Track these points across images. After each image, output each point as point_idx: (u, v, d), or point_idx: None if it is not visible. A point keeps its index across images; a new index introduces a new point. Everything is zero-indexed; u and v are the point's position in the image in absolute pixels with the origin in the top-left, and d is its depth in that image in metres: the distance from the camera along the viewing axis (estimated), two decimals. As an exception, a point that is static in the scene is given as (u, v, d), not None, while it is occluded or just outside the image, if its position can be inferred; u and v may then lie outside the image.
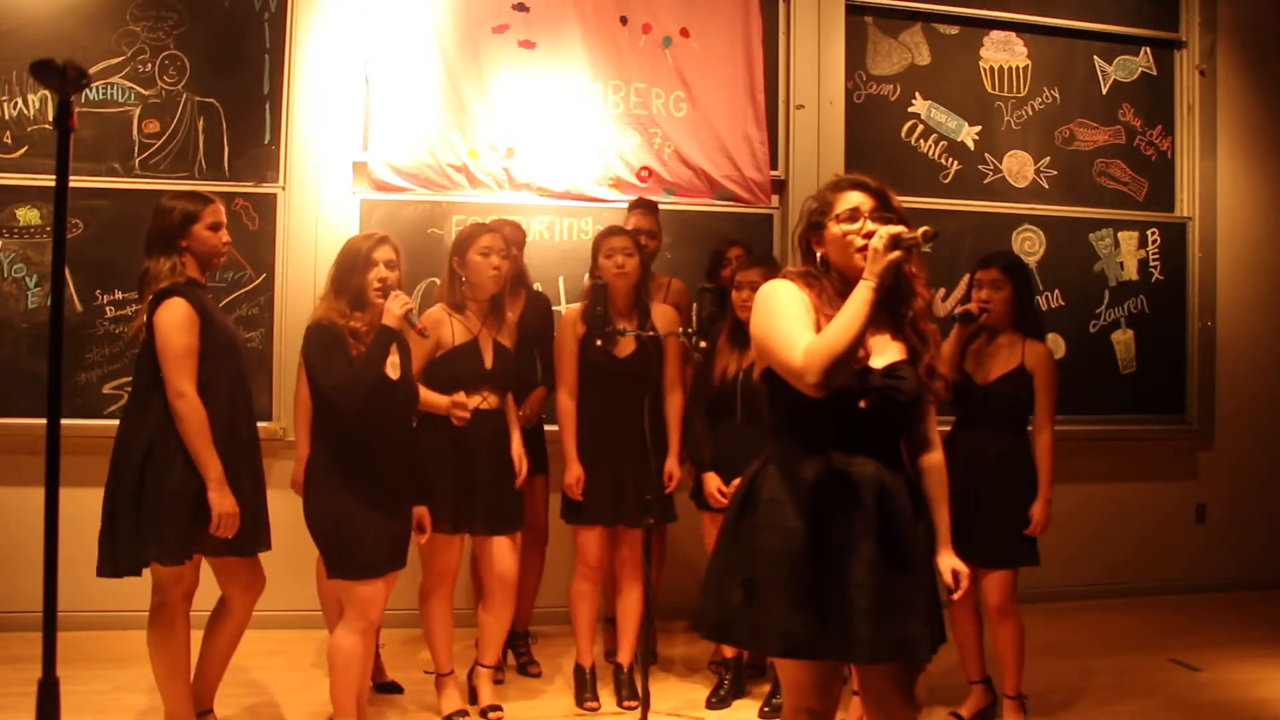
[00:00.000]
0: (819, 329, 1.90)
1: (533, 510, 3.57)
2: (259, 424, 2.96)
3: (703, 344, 3.30)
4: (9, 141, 4.05)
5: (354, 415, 2.71)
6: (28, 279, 4.05)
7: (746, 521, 1.99)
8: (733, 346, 3.38)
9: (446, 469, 3.09)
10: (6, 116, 4.05)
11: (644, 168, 4.50)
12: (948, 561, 2.11)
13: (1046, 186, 4.97)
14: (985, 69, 4.93)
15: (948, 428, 3.11)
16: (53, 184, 1.68)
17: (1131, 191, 5.09)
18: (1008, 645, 3.18)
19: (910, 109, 4.83)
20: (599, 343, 3.26)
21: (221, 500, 2.62)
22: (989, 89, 4.93)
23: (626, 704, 3.35)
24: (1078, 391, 4.62)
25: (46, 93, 4.00)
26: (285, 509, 3.03)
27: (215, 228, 2.78)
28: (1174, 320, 5.09)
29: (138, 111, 4.14)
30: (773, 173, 4.65)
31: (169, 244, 2.72)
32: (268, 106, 4.23)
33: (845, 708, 2.94)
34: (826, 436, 1.95)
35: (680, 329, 3.34)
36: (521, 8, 4.42)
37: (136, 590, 2.74)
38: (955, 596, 2.10)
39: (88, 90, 3.77)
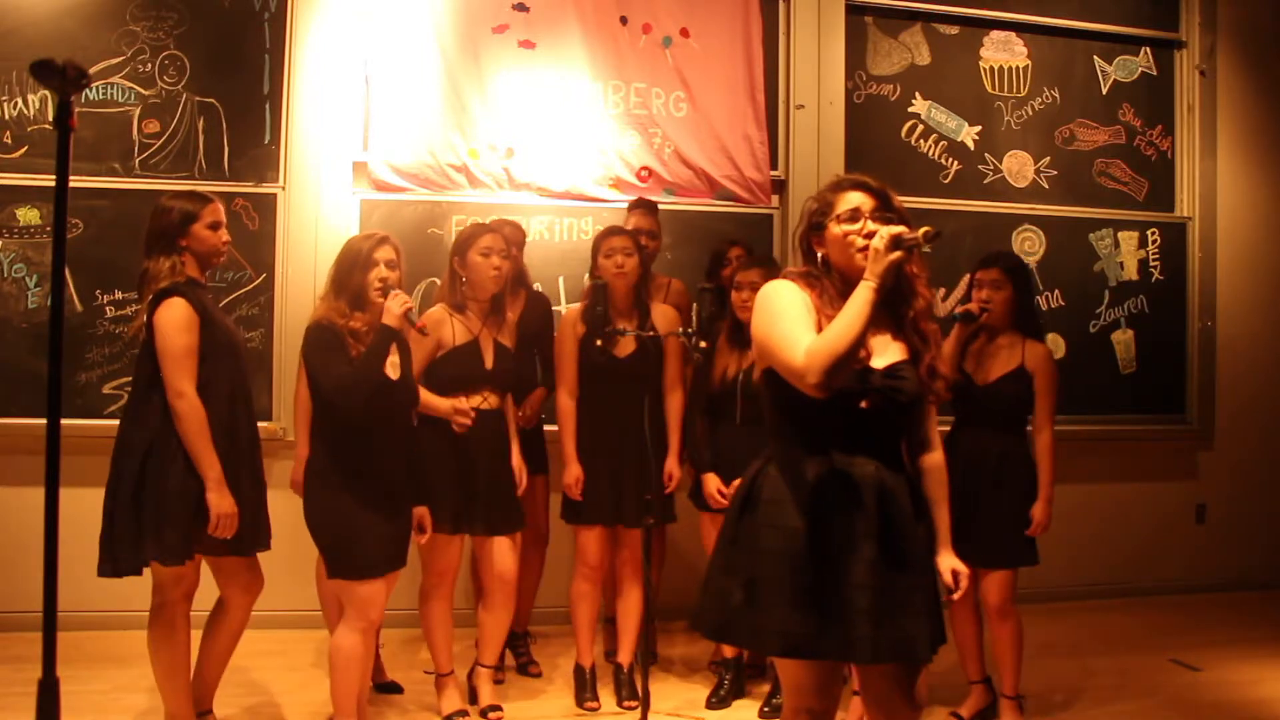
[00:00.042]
0: (820, 329, 1.90)
1: (533, 510, 3.57)
2: (259, 424, 2.95)
3: (702, 344, 3.30)
4: (9, 141, 4.05)
5: (354, 415, 2.71)
6: (28, 279, 4.05)
7: (747, 521, 1.99)
8: (732, 347, 3.38)
9: (447, 469, 3.09)
10: (6, 116, 4.05)
11: (644, 168, 4.50)
12: (947, 562, 2.11)
13: (1046, 186, 4.97)
14: (985, 69, 4.93)
15: (947, 428, 3.11)
16: (53, 184, 1.68)
17: (1131, 191, 5.09)
18: (1006, 645, 3.18)
19: (910, 109, 4.83)
20: (599, 343, 3.26)
21: (220, 501, 2.61)
22: (989, 89, 4.93)
23: (626, 704, 3.35)
24: (1078, 391, 4.62)
25: (46, 93, 4.00)
26: (285, 509, 3.02)
27: (215, 227, 2.78)
28: (1174, 320, 5.09)
29: (138, 111, 4.14)
30: (773, 173, 4.65)
31: (168, 243, 2.71)
32: (268, 106, 4.23)
33: (845, 708, 2.94)
34: (827, 437, 1.95)
35: (680, 329, 3.34)
36: (521, 8, 4.42)
37: (136, 590, 2.74)
38: (955, 597, 2.10)
39: (88, 90, 3.77)
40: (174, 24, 4.17)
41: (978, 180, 4.90)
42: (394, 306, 2.74)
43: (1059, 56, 5.01)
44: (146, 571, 2.65)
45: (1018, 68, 4.96)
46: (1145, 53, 5.12)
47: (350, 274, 2.78)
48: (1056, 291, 4.93)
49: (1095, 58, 5.04)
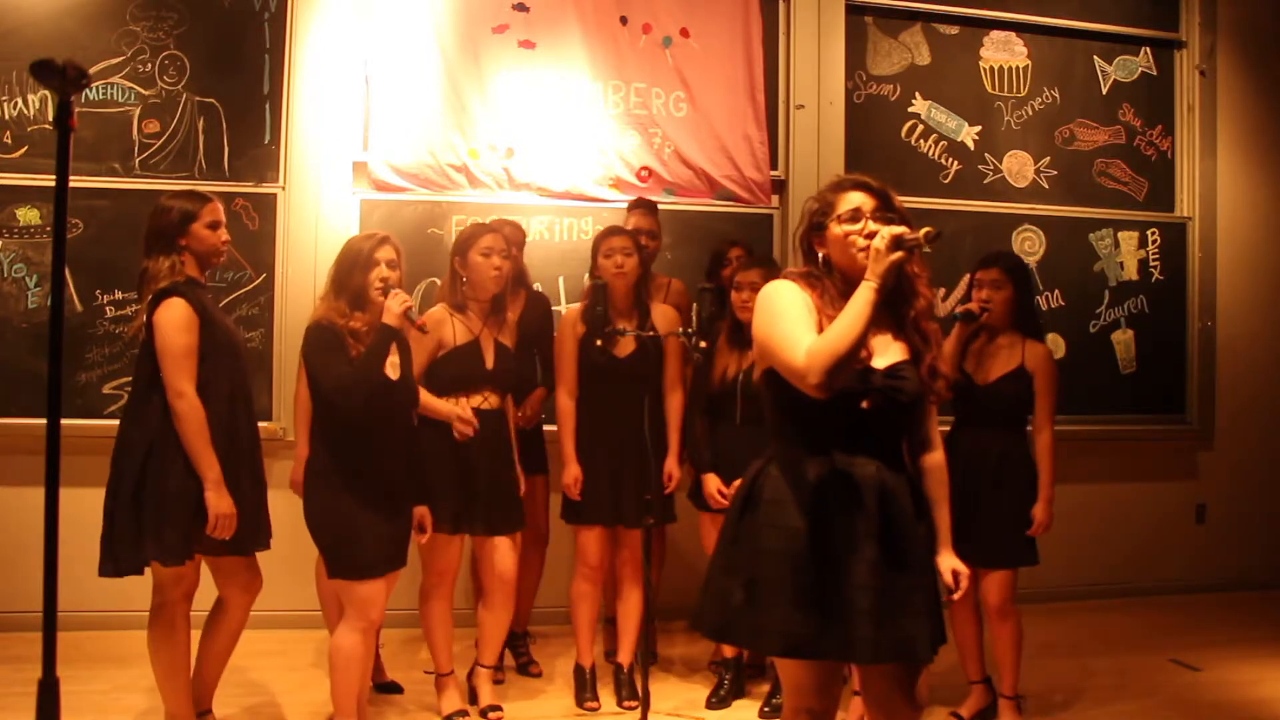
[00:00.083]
0: (821, 330, 1.90)
1: (533, 510, 3.57)
2: (259, 424, 2.95)
3: (702, 344, 3.30)
4: (9, 141, 4.05)
5: (354, 415, 2.71)
6: (28, 279, 4.05)
7: (748, 521, 1.99)
8: (732, 347, 3.38)
9: (447, 469, 3.08)
10: (6, 116, 4.05)
11: (644, 168, 4.50)
12: (948, 562, 2.11)
13: (1046, 186, 4.97)
14: (985, 69, 4.93)
15: (947, 428, 3.11)
16: (53, 184, 1.68)
17: (1131, 191, 5.09)
18: (1006, 646, 3.18)
19: (910, 109, 4.83)
20: (599, 343, 3.25)
21: (218, 501, 2.61)
22: (989, 89, 4.93)
23: (626, 704, 3.35)
24: (1078, 391, 4.62)
25: (46, 93, 3.99)
26: (285, 509, 3.02)
27: (214, 226, 2.77)
28: (1174, 320, 5.09)
29: (138, 111, 4.14)
30: (773, 173, 4.64)
31: (168, 243, 2.71)
32: (268, 106, 4.23)
33: (845, 708, 2.94)
34: (828, 437, 1.95)
35: (680, 329, 3.34)
36: (521, 8, 4.42)
37: (136, 590, 2.74)
38: (955, 597, 2.10)
39: (88, 90, 3.77)
40: (174, 24, 4.17)
41: (978, 180, 4.90)
42: (394, 305, 2.74)
43: (1059, 56, 5.01)
44: (147, 571, 2.65)
45: (1018, 68, 4.96)
46: (1145, 53, 5.12)
47: (351, 274, 2.78)
48: (1056, 291, 4.93)
49: (1095, 58, 5.04)
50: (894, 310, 2.00)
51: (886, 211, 1.98)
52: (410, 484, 2.91)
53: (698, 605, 2.07)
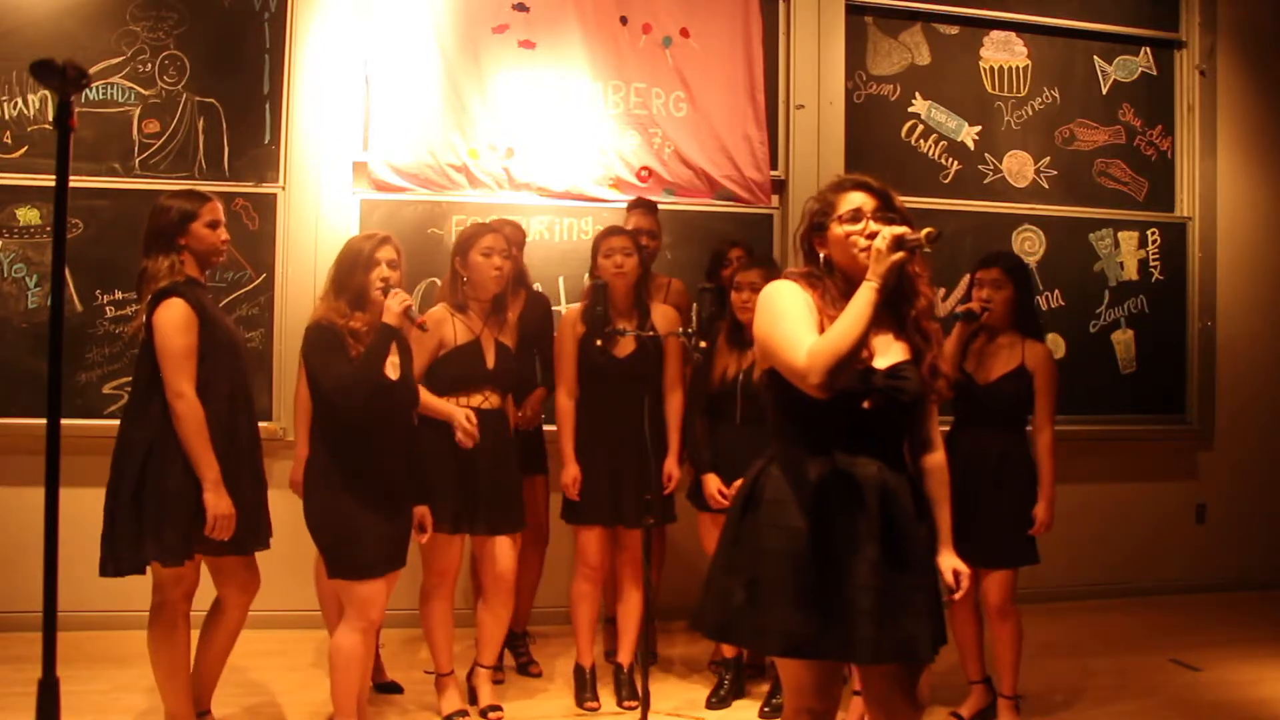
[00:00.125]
0: (822, 330, 1.90)
1: (533, 510, 3.57)
2: (259, 424, 2.95)
3: (702, 344, 3.30)
4: (9, 141, 4.04)
5: (354, 415, 2.71)
6: (28, 279, 4.05)
7: (749, 521, 1.99)
8: (732, 347, 3.38)
9: (447, 469, 3.08)
10: (6, 116, 4.05)
11: (644, 168, 4.50)
12: (948, 561, 2.11)
13: (1046, 186, 4.97)
14: (985, 69, 4.93)
15: (948, 427, 3.11)
16: (53, 184, 1.68)
17: (1131, 191, 5.09)
18: (1006, 646, 3.18)
19: (910, 109, 4.83)
20: (599, 343, 3.26)
21: (217, 502, 2.61)
22: (989, 89, 4.93)
23: (626, 704, 3.35)
24: (1078, 391, 4.62)
25: (46, 93, 3.99)
26: (285, 509, 3.02)
27: (214, 226, 2.77)
28: (1174, 320, 5.09)
29: (138, 111, 4.14)
30: (773, 173, 4.64)
31: (167, 243, 2.71)
32: (268, 106, 4.22)
33: (845, 708, 2.94)
34: (830, 437, 1.95)
35: (680, 329, 3.34)
36: (521, 8, 4.42)
37: (136, 590, 2.74)
38: (956, 597, 2.10)
39: (88, 90, 3.77)
40: (174, 24, 4.17)
41: (978, 180, 4.90)
42: (393, 304, 2.74)
43: (1059, 56, 5.01)
44: (147, 571, 2.65)
45: (1018, 68, 4.96)
46: (1145, 53, 5.12)
47: (351, 274, 2.78)
48: (1056, 291, 4.93)
49: (1095, 58, 5.04)
50: (895, 310, 2.00)
51: (887, 212, 1.98)
52: (410, 484, 2.91)
53: (698, 605, 2.07)
